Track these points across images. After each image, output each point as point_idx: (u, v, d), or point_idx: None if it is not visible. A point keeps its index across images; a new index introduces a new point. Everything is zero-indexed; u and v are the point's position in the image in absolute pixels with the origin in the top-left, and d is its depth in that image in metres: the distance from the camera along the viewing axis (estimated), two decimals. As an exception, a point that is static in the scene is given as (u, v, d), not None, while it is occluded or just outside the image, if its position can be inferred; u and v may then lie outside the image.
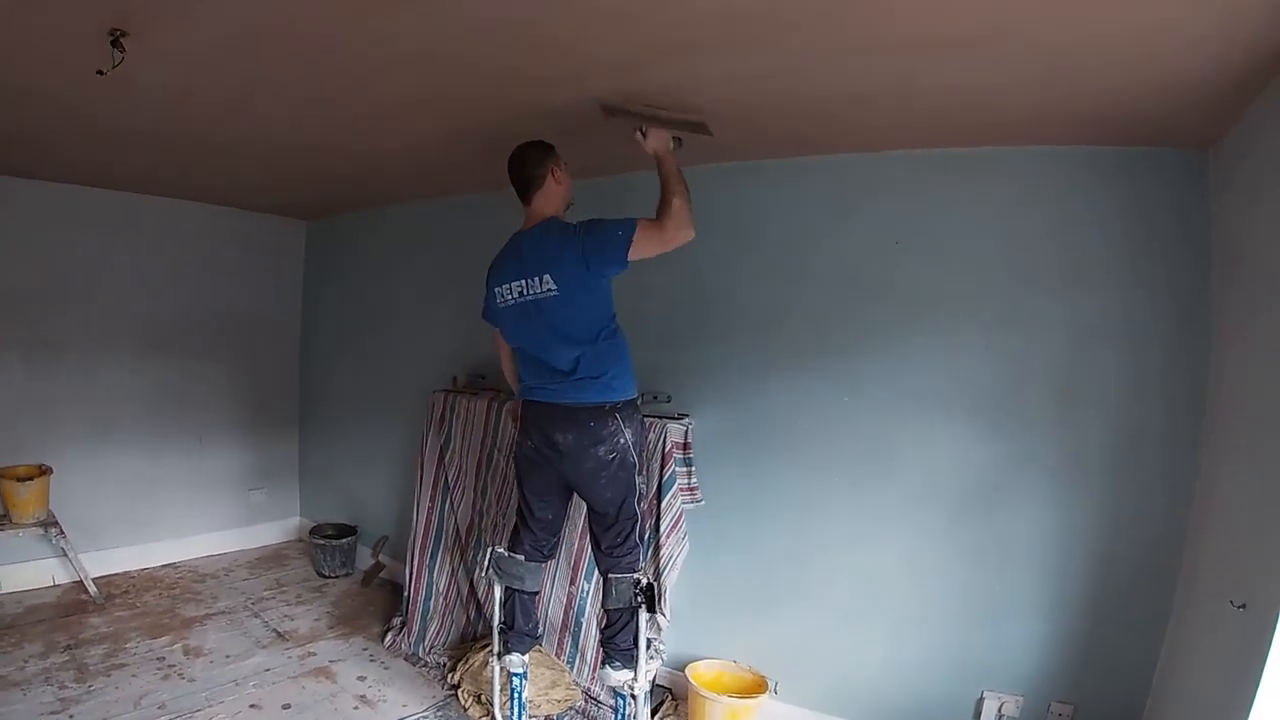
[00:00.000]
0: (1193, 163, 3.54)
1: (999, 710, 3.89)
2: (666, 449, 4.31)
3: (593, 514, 3.94)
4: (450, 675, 4.67)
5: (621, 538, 3.87)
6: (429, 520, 5.37)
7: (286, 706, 4.32)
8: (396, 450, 6.44)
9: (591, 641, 4.62)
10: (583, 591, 4.65)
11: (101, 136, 4.43)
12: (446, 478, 5.27)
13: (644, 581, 3.84)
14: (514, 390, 4.14)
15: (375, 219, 6.81)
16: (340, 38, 2.94)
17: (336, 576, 6.53)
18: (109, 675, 4.49)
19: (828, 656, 4.33)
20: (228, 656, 4.87)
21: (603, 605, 3.97)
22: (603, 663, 3.99)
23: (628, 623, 3.87)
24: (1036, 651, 3.86)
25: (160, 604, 5.70)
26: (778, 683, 4.38)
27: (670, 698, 4.60)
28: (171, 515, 6.68)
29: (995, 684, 3.92)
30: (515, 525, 4.14)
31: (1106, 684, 3.72)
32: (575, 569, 4.68)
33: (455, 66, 3.23)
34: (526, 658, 4.09)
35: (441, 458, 5.30)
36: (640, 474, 3.89)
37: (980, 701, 3.94)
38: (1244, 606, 2.65)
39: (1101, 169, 3.71)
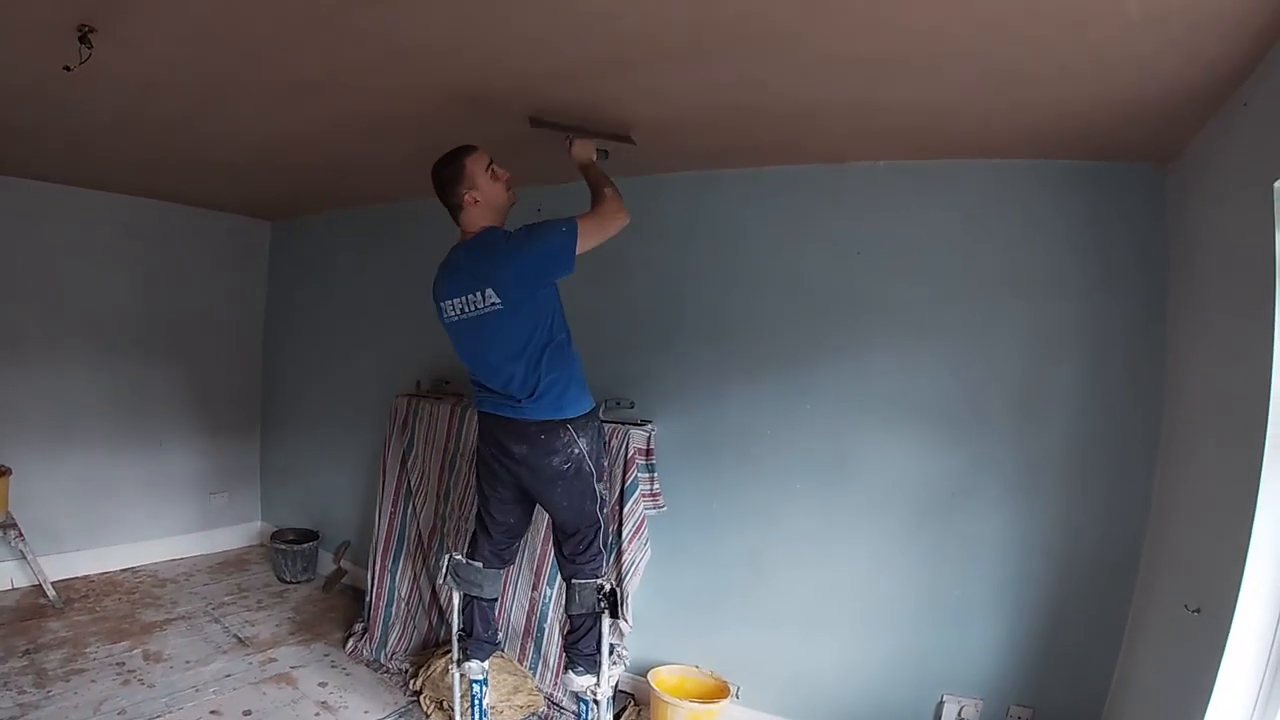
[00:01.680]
0: (1151, 177, 3.65)
1: (959, 714, 3.96)
2: (629, 455, 4.36)
3: (554, 521, 3.95)
4: (412, 681, 4.69)
5: (584, 544, 3.88)
6: (391, 525, 5.38)
7: (248, 713, 4.32)
8: (359, 455, 6.45)
9: (554, 647, 4.65)
10: (545, 597, 4.68)
11: (66, 133, 4.44)
12: (409, 483, 5.29)
13: (607, 587, 3.86)
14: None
15: (341, 221, 6.82)
16: (308, 35, 2.96)
17: (298, 582, 6.53)
18: (68, 680, 4.48)
19: (789, 661, 4.39)
20: (188, 662, 4.86)
21: (566, 610, 4.00)
22: (565, 668, 4.03)
23: (591, 628, 3.89)
24: (996, 655, 3.93)
25: (120, 608, 5.68)
26: (740, 688, 4.44)
27: (633, 703, 4.65)
28: (131, 518, 6.65)
29: (955, 687, 3.99)
30: (474, 531, 4.15)
31: (1065, 687, 3.80)
32: (538, 574, 4.72)
33: (419, 69, 3.27)
34: (487, 664, 4.13)
35: (404, 463, 5.33)
36: (601, 481, 3.90)
37: (940, 705, 4.01)
38: (1199, 610, 2.72)
39: (1060, 183, 3.81)
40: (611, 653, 3.97)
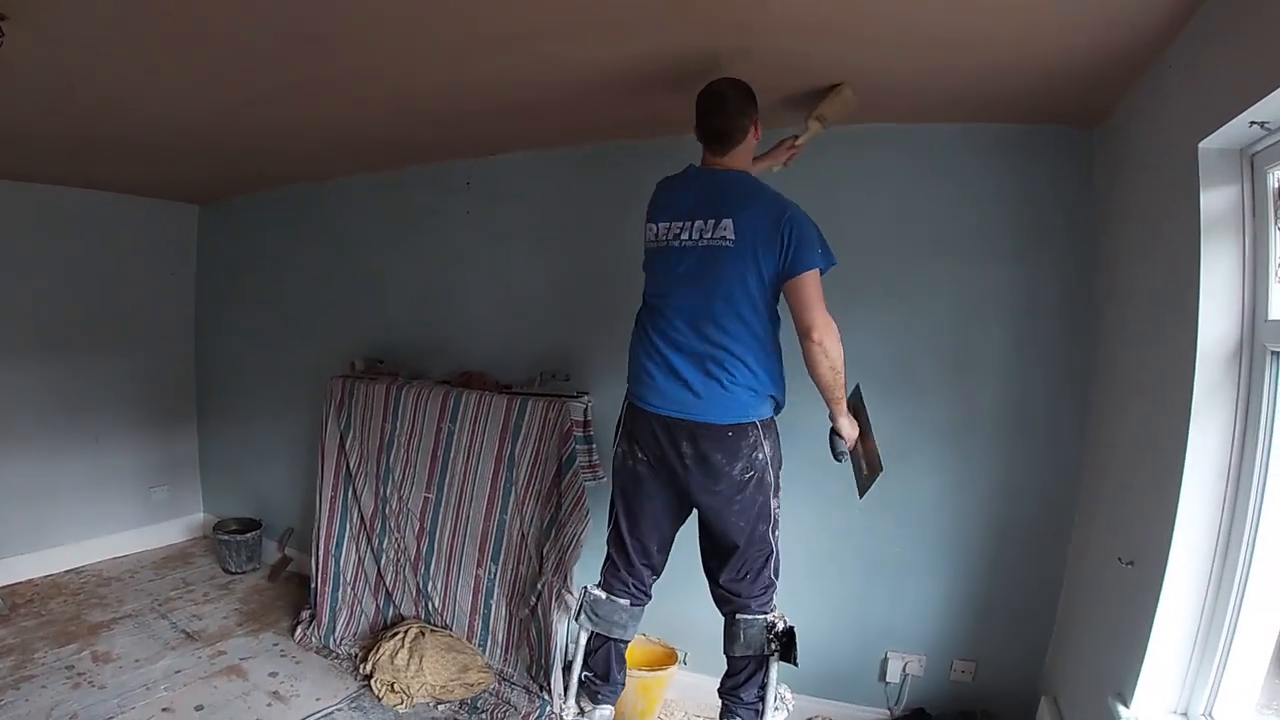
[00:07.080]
0: (1080, 140, 3.78)
1: (903, 669, 4.15)
2: (566, 427, 4.41)
3: (713, 543, 3.48)
4: (362, 666, 4.74)
5: (746, 572, 3.41)
6: (333, 509, 5.41)
7: (199, 708, 4.37)
8: (298, 440, 6.46)
9: (501, 624, 4.76)
10: (490, 574, 4.78)
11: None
12: (348, 465, 5.32)
13: (780, 625, 3.39)
14: None
15: (268, 202, 6.77)
16: (232, 8, 2.88)
17: (243, 572, 6.56)
18: (18, 688, 4.49)
19: (735, 624, 4.38)
20: (137, 661, 4.88)
21: (725, 650, 3.53)
22: (721, 715, 3.58)
23: (754, 673, 3.47)
24: (937, 612, 4.12)
25: (66, 611, 5.66)
26: (687, 653, 4.57)
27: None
28: (72, 518, 6.59)
29: (898, 644, 4.15)
30: (610, 560, 3.68)
31: (1006, 641, 3.99)
32: (481, 551, 4.82)
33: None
34: (612, 711, 3.74)
35: (343, 445, 5.35)
36: (777, 496, 3.38)
37: (884, 661, 4.17)
38: (1132, 563, 2.81)
39: (989, 147, 3.95)
40: (775, 699, 3.48)
